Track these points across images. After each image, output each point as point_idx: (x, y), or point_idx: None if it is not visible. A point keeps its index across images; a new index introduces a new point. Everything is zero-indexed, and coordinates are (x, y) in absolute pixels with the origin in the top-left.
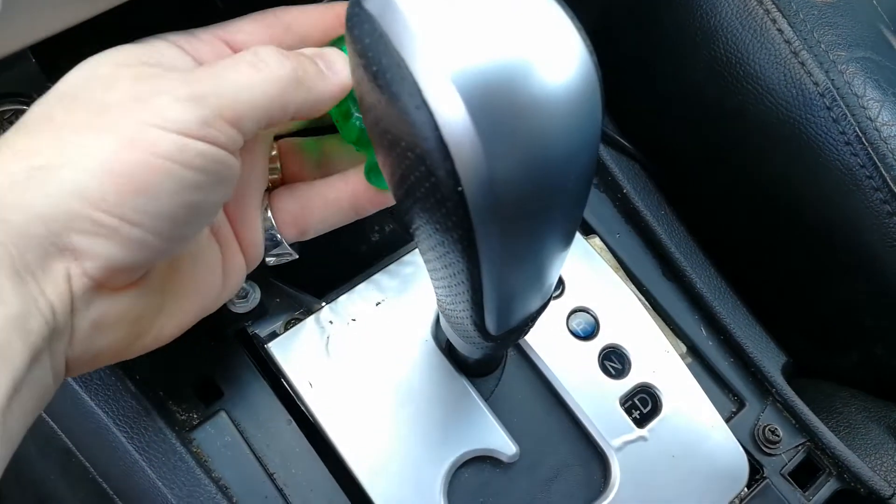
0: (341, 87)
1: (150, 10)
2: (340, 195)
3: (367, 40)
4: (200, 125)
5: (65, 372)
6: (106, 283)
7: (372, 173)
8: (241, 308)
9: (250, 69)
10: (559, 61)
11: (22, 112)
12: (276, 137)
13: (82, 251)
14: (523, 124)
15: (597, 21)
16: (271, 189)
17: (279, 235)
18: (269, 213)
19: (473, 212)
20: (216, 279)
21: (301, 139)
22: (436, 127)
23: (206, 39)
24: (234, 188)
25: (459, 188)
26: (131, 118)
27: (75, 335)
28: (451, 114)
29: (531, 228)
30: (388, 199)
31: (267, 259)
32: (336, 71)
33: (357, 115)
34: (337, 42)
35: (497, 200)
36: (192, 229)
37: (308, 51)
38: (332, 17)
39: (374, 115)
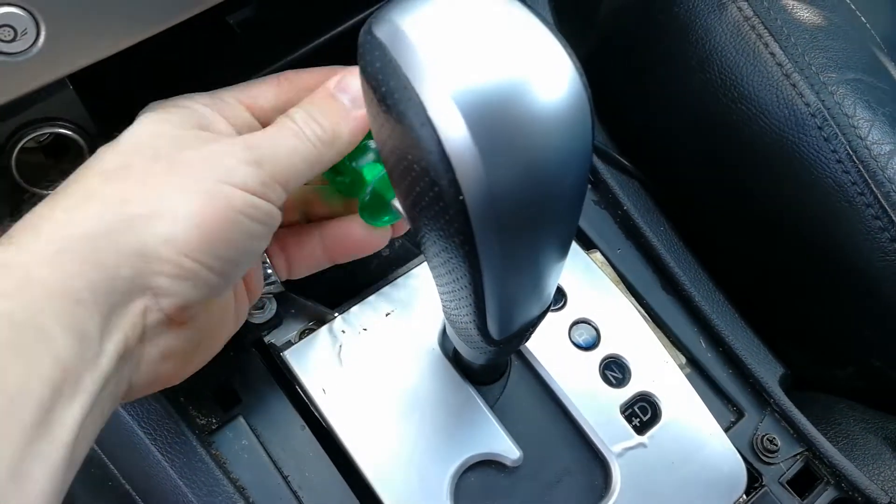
0: (352, 145)
1: (176, 42)
2: (315, 247)
3: (377, 64)
4: (261, 186)
5: (125, 395)
6: (175, 318)
7: (365, 212)
8: (258, 319)
9: (295, 139)
10: (550, 81)
11: (59, 135)
12: None
13: (163, 291)
14: (519, 138)
15: (597, 46)
16: None
17: (274, 276)
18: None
19: (474, 219)
20: (231, 316)
21: None
22: (439, 142)
23: (230, 103)
24: None
25: (461, 197)
26: (207, 176)
27: (143, 362)
28: (452, 130)
29: (528, 235)
30: (360, 250)
31: (263, 291)
32: (353, 130)
33: (351, 164)
34: None
35: (496, 208)
36: (242, 271)
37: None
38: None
39: (383, 133)
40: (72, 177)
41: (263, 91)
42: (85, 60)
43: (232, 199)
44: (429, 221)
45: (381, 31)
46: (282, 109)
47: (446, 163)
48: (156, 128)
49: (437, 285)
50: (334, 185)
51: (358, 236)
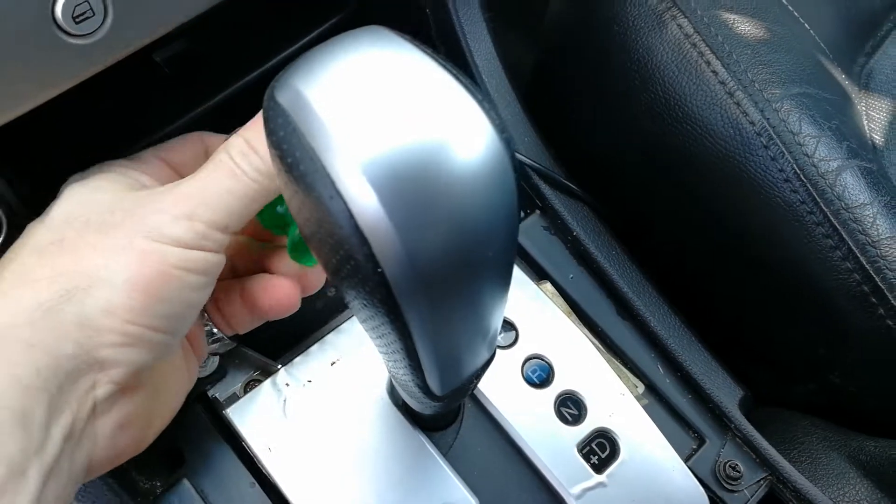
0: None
1: (100, 86)
2: (240, 305)
3: (281, 133)
4: (196, 237)
5: (84, 475)
6: (128, 386)
7: (296, 252)
8: (201, 373)
9: (230, 179)
10: (466, 142)
11: None
12: None
13: (110, 361)
14: (436, 206)
15: (540, 65)
16: None
17: (218, 332)
18: (206, 314)
19: (396, 288)
20: (184, 373)
21: None
22: (350, 216)
23: (149, 161)
24: None
25: (379, 269)
26: (139, 236)
27: (99, 437)
28: (363, 202)
29: (457, 299)
30: (283, 306)
31: (209, 349)
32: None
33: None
34: None
35: (418, 278)
36: (188, 325)
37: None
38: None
39: (294, 203)
40: (4, 257)
41: (176, 150)
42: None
43: (166, 256)
44: (350, 290)
45: (283, 98)
46: (192, 164)
47: (360, 236)
48: (84, 196)
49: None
50: (262, 220)
51: (280, 290)
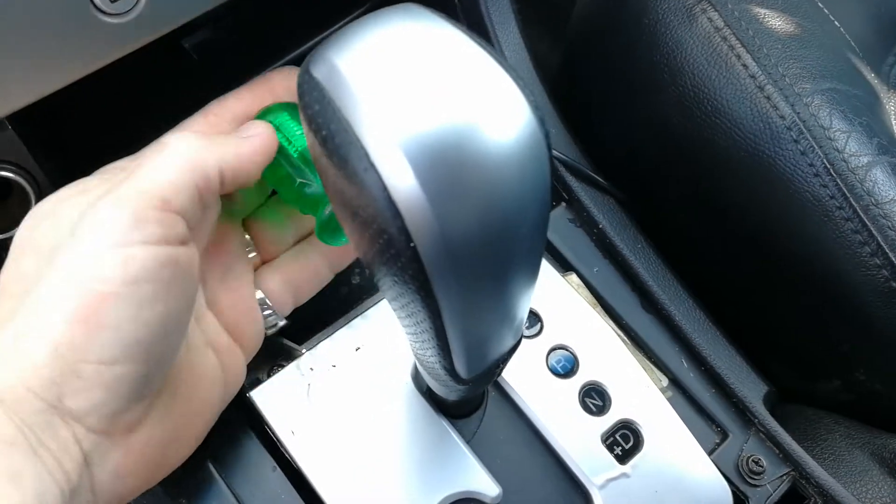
0: (261, 149)
1: (128, 72)
2: (316, 261)
3: (316, 106)
4: (134, 225)
5: None
6: (113, 431)
7: (324, 233)
8: None
9: (155, 155)
10: (503, 121)
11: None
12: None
13: (78, 411)
14: (471, 183)
15: (568, 58)
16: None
17: (275, 313)
18: (262, 295)
19: (428, 265)
20: (218, 386)
21: (261, 210)
22: (384, 188)
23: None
24: (224, 286)
25: (412, 244)
26: (71, 254)
27: (97, 488)
28: (398, 176)
29: (488, 279)
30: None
31: (267, 333)
32: (252, 134)
33: (300, 181)
34: (262, 115)
35: (450, 254)
36: (169, 342)
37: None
38: (251, 99)
39: (327, 177)
40: None
41: (244, 100)
42: (20, 102)
43: (97, 271)
44: (381, 267)
45: (319, 71)
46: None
47: (394, 210)
48: (41, 215)
49: (401, 325)
50: (288, 200)
51: None
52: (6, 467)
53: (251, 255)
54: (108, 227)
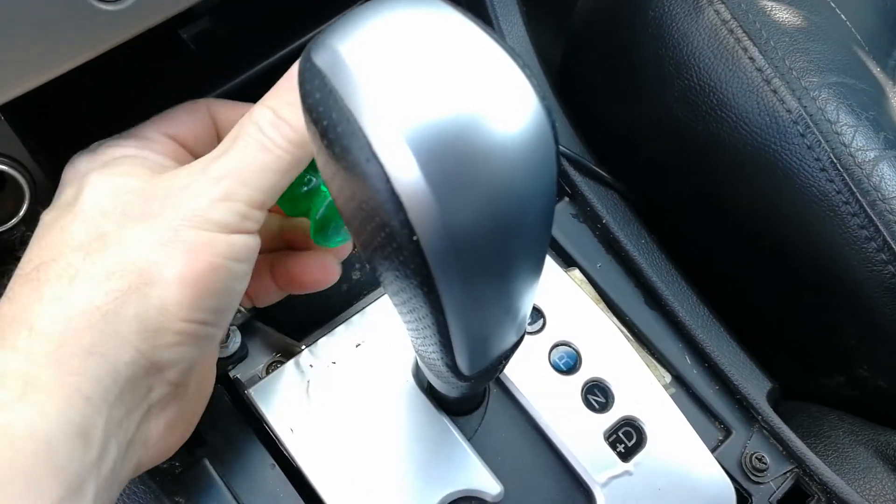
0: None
1: (123, 63)
2: (269, 280)
3: (317, 95)
4: (238, 218)
5: (131, 477)
6: (180, 384)
7: (318, 235)
8: (223, 352)
9: (263, 152)
10: (510, 111)
11: None
12: None
13: (166, 363)
14: (477, 175)
15: (572, 51)
16: None
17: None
18: None
19: (430, 259)
20: (215, 359)
21: None
22: (387, 179)
23: (157, 139)
24: None
25: (415, 237)
26: (184, 226)
27: (150, 441)
28: (401, 167)
29: (492, 273)
30: (313, 285)
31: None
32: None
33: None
34: None
35: (454, 248)
36: (232, 315)
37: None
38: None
39: (328, 169)
40: (44, 255)
41: (183, 122)
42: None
43: (215, 247)
44: (383, 261)
45: (321, 59)
46: (202, 137)
47: (396, 202)
48: (110, 185)
49: (402, 321)
50: (281, 200)
51: (309, 272)
52: (81, 420)
53: None
54: (219, 215)
